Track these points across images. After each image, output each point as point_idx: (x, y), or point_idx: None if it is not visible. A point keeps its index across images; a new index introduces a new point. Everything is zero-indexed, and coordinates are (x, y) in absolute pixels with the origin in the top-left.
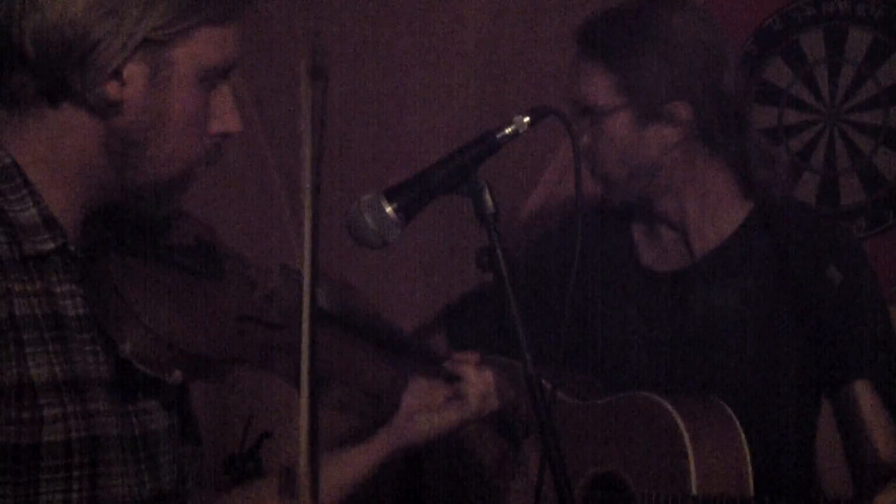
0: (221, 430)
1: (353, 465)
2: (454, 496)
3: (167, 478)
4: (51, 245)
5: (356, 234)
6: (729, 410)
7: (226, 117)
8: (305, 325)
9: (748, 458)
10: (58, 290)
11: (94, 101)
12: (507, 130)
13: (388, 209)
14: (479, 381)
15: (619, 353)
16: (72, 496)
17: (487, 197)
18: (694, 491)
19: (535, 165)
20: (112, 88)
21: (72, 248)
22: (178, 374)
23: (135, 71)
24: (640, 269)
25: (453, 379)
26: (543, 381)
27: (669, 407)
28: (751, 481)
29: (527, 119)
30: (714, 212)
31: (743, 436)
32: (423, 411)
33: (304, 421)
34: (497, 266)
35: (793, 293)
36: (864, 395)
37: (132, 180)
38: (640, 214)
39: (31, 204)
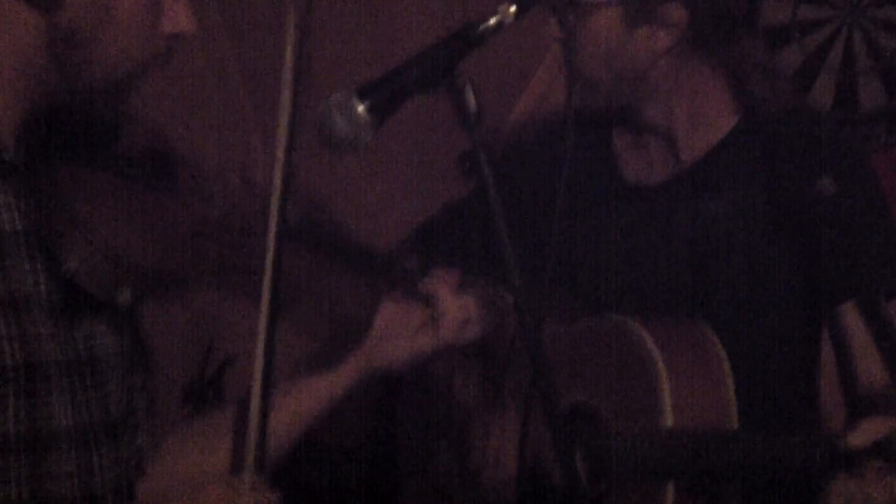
0: (180, 357)
1: (316, 392)
2: (429, 433)
3: (115, 407)
4: None
5: (325, 136)
6: (712, 335)
7: (178, 17)
8: (271, 242)
9: (731, 386)
10: None
11: None
12: (491, 22)
13: (360, 108)
14: (457, 305)
15: (600, 272)
16: (8, 428)
17: (470, 96)
18: (669, 423)
19: (522, 71)
20: None
21: (7, 155)
22: (126, 294)
23: None
24: (622, 183)
25: (429, 301)
26: (531, 304)
27: (643, 332)
28: (734, 412)
29: (513, 8)
30: (703, 119)
31: (727, 363)
32: (395, 335)
33: (260, 345)
34: (480, 172)
35: (782, 206)
36: (855, 318)
37: (76, 82)
38: (624, 122)
39: None
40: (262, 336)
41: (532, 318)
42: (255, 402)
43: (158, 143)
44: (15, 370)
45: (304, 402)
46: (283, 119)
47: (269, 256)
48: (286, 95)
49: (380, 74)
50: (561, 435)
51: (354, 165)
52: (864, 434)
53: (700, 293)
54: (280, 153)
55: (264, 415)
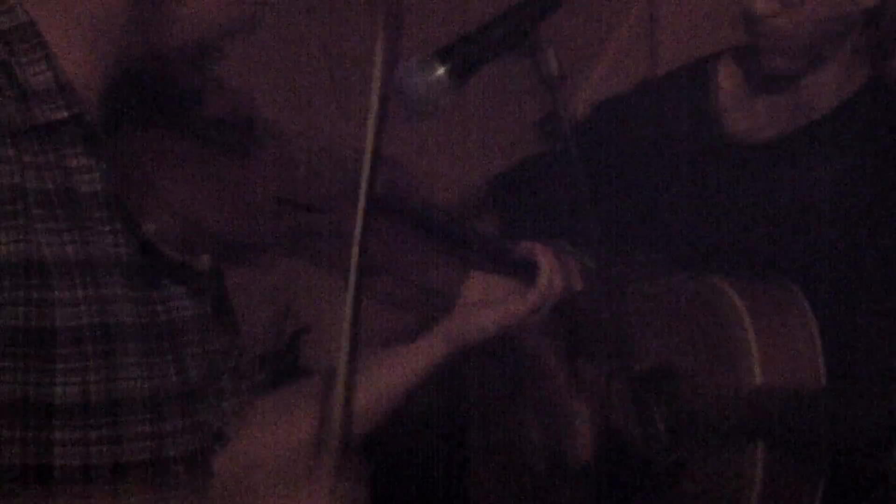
0: (254, 324)
1: (402, 367)
2: (502, 398)
3: (195, 372)
4: (64, 113)
5: (403, 100)
6: (802, 298)
7: None
8: (360, 210)
9: (820, 352)
10: (73, 163)
11: None
12: None
13: (440, 71)
14: (547, 269)
15: (691, 229)
16: (89, 388)
17: (551, 57)
18: (758, 380)
19: (602, 31)
20: None
21: (88, 117)
22: (206, 259)
23: None
24: (724, 138)
25: (519, 270)
26: (615, 271)
27: (730, 291)
28: (822, 371)
29: None
30: (833, 77)
31: (816, 327)
32: (485, 304)
33: (347, 318)
34: (562, 134)
35: (890, 178)
36: None
37: (160, 45)
38: (742, 74)
39: (45, 67)
40: (348, 308)
41: (613, 281)
42: (340, 378)
43: (242, 109)
44: (92, 331)
45: (393, 377)
46: (376, 85)
47: (358, 224)
48: (379, 61)
49: (458, 36)
50: (641, 397)
51: (429, 131)
52: None
53: (795, 259)
54: (371, 122)
55: (350, 392)
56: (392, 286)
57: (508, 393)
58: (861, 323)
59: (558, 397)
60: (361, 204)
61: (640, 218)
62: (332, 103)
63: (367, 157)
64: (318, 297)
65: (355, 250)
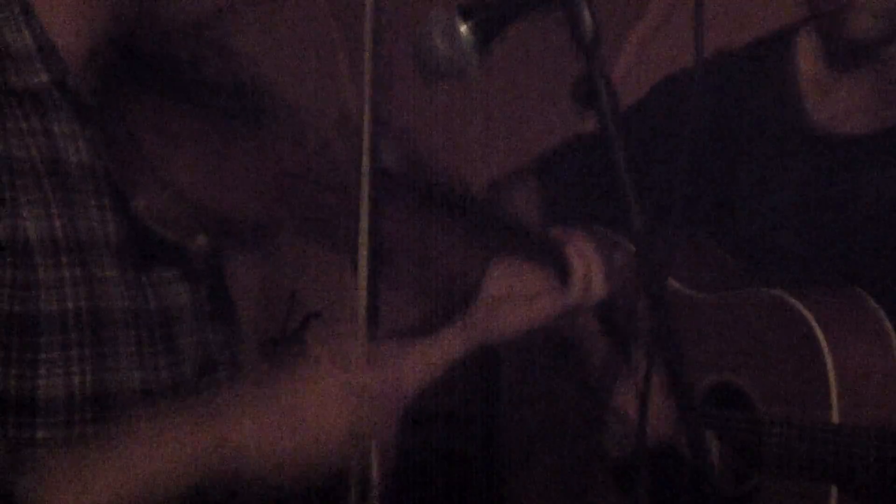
0: (259, 310)
1: (417, 361)
2: (540, 398)
3: (188, 363)
4: (44, 77)
5: (424, 62)
6: (875, 306)
7: None
8: (364, 188)
9: None
10: (56, 130)
11: None
12: None
13: (464, 28)
14: (583, 263)
15: (760, 229)
16: (73, 380)
17: (586, 14)
18: (835, 419)
19: None
20: None
21: (71, 81)
22: (201, 240)
23: None
24: (805, 125)
25: (550, 259)
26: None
27: (803, 309)
28: None
29: None
30: None
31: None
32: (510, 300)
33: (361, 305)
34: (598, 101)
35: None
36: None
37: (157, 14)
38: (823, 52)
39: (23, 27)
40: (362, 292)
41: (656, 272)
42: (359, 362)
43: (246, 75)
44: (78, 317)
45: (407, 371)
46: (368, 50)
47: (364, 203)
48: (368, 24)
49: None
50: (691, 413)
51: (452, 99)
52: None
53: (872, 263)
54: (367, 87)
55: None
56: (407, 273)
57: (543, 389)
58: None
59: (597, 400)
60: (365, 178)
61: (699, 208)
62: (343, 70)
63: (366, 125)
64: (328, 285)
65: (364, 231)
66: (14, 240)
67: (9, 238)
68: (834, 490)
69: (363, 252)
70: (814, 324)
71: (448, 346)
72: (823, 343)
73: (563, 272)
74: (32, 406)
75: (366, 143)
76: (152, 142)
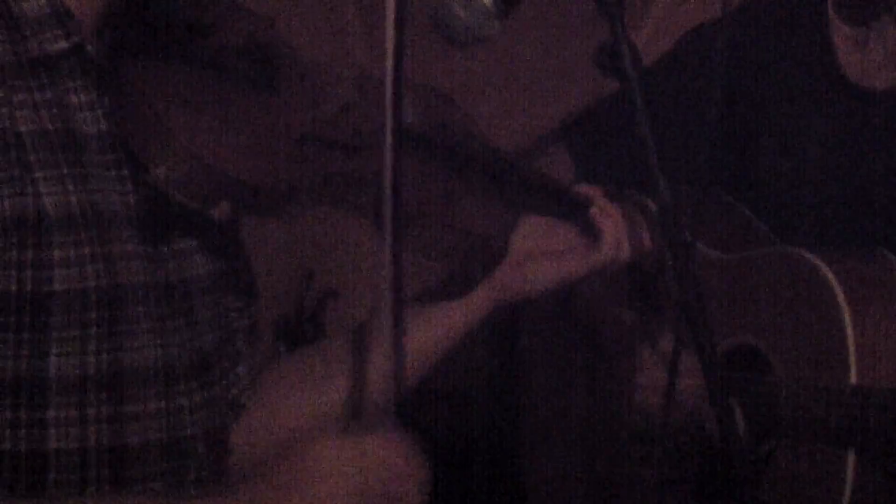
0: (274, 286)
1: (444, 322)
2: (562, 369)
3: (209, 336)
4: (63, 44)
5: (442, 27)
6: None
7: None
8: (388, 147)
9: None
10: (73, 100)
11: None
12: None
13: None
14: (612, 221)
15: (786, 186)
16: (87, 360)
17: None
18: (853, 380)
19: None
20: None
21: (90, 48)
22: (223, 207)
23: None
24: (838, 81)
25: (578, 217)
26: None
27: (825, 269)
28: None
29: None
30: None
31: None
32: (537, 257)
33: (387, 268)
34: (622, 66)
35: None
36: None
37: None
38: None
39: None
40: (387, 256)
41: (681, 235)
42: (386, 333)
43: (262, 36)
44: (98, 294)
45: (433, 333)
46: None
47: (388, 164)
48: None
49: None
50: (717, 381)
51: (476, 64)
52: None
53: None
54: (389, 42)
55: (398, 347)
56: (433, 234)
57: (565, 359)
58: None
59: (623, 368)
60: (388, 135)
61: (725, 166)
62: (362, 29)
63: (389, 80)
64: (347, 253)
65: (387, 191)
66: (23, 217)
67: (19, 216)
68: (851, 454)
69: (387, 214)
70: (834, 283)
71: (475, 306)
72: (843, 304)
73: (590, 231)
74: (43, 386)
75: (388, 100)
76: (169, 107)
